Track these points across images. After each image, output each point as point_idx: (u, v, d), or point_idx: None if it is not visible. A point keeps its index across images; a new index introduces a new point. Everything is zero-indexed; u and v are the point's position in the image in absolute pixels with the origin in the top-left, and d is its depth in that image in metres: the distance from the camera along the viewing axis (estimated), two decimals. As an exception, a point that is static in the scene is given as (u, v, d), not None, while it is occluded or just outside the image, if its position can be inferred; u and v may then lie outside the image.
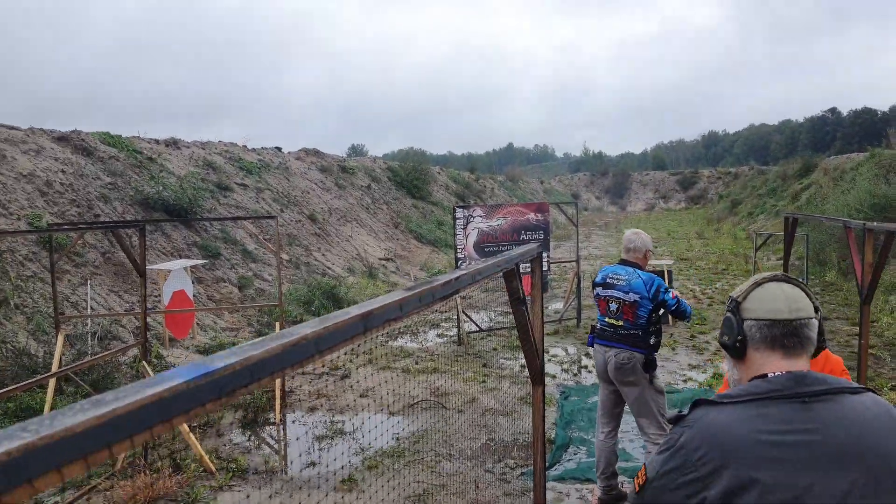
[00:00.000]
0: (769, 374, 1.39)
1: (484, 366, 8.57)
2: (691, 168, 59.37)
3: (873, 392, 1.41)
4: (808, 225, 16.31)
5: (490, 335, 10.28)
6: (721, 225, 29.68)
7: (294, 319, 10.51)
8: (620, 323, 4.49)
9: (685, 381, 7.78)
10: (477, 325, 10.27)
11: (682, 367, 8.35)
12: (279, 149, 19.16)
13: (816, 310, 1.48)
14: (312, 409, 7.12)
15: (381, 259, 15.83)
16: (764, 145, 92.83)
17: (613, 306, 4.53)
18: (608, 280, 4.58)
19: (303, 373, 8.31)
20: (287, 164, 17.50)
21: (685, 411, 1.43)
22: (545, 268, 10.55)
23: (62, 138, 11.64)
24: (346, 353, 9.26)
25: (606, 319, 4.59)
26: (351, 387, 7.85)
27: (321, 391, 7.67)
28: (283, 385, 7.09)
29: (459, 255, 9.44)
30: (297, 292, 11.77)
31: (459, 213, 9.46)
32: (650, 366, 4.48)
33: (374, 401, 7.33)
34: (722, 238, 25.16)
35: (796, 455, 1.27)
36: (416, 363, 8.72)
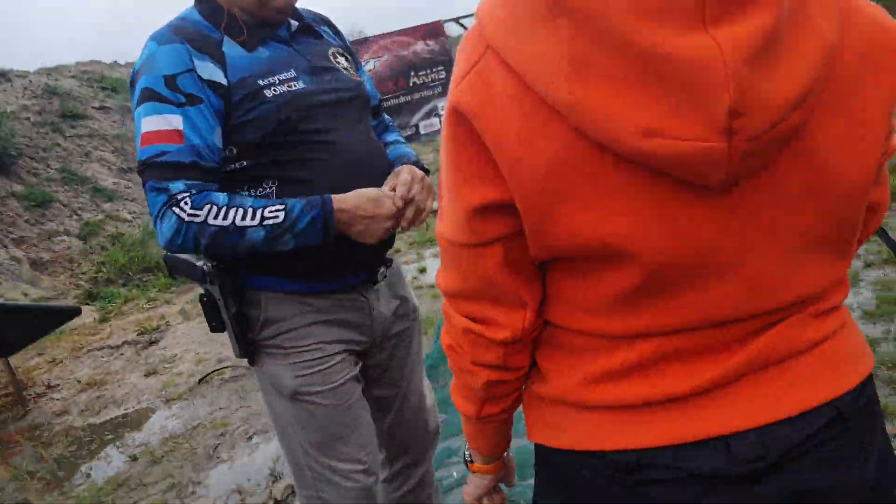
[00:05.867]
0: None
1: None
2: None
3: None
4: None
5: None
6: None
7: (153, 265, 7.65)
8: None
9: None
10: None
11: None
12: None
13: None
14: (62, 413, 4.28)
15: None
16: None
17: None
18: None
19: (95, 349, 5.43)
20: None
21: None
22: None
23: None
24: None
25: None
26: (147, 360, 4.95)
27: (95, 377, 4.79)
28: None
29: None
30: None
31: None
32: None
33: (167, 378, 4.45)
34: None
35: None
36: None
